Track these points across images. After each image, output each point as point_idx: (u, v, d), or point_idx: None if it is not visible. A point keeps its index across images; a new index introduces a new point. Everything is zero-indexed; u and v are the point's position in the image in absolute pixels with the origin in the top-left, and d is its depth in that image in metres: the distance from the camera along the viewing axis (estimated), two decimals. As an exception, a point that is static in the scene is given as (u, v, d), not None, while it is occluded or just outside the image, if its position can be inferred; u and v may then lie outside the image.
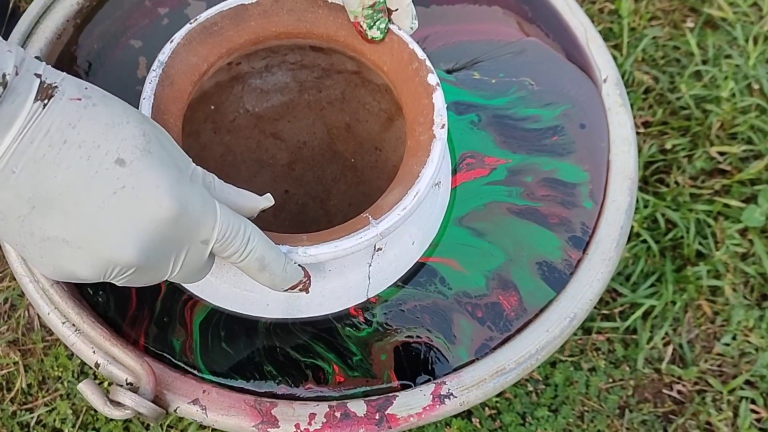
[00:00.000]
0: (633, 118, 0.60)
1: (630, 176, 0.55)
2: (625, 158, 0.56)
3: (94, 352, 0.47)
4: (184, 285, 0.51)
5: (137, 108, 0.45)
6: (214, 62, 0.49)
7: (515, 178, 0.56)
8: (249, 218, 0.43)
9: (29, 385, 0.78)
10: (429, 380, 0.49)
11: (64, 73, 0.38)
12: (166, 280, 0.41)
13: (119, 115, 0.37)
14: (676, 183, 0.88)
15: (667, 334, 0.82)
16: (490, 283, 0.52)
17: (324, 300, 0.50)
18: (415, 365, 0.50)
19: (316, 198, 0.67)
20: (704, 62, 0.95)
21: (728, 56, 0.95)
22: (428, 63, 0.48)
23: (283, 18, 0.50)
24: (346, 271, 0.50)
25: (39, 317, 0.81)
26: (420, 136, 0.47)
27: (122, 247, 0.37)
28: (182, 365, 0.49)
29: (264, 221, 0.62)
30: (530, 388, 0.79)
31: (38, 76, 0.36)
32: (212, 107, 0.59)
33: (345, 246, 0.44)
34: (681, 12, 1.00)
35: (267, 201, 0.44)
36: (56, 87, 0.36)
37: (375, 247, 0.49)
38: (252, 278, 0.43)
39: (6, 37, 0.56)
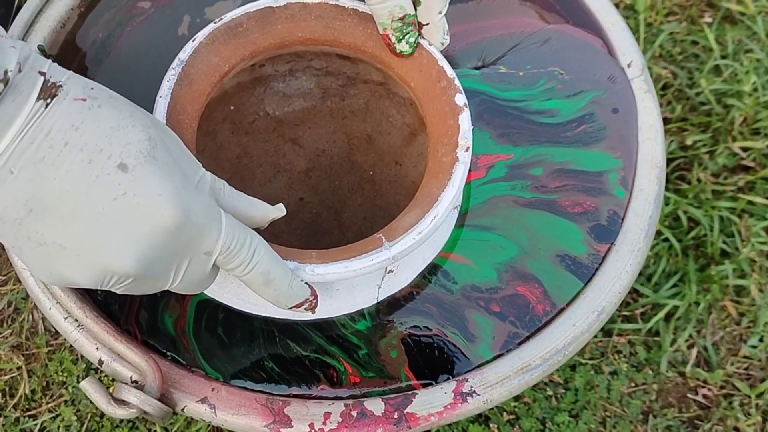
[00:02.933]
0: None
1: (658, 164, 0.53)
2: (652, 146, 0.53)
3: (97, 348, 0.45)
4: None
5: (152, 106, 0.44)
6: (236, 64, 0.48)
7: (519, 172, 0.54)
8: (259, 227, 0.42)
9: (33, 391, 0.76)
10: (449, 378, 0.47)
11: (70, 72, 0.36)
12: (168, 290, 0.40)
13: (125, 119, 0.36)
14: (698, 180, 0.86)
15: (690, 336, 0.80)
16: (503, 276, 0.50)
17: (329, 311, 0.48)
18: (431, 363, 0.47)
19: (330, 208, 0.65)
20: (723, 57, 0.93)
21: (749, 50, 0.93)
22: (457, 82, 0.47)
23: (310, 24, 0.49)
24: (354, 291, 0.48)
25: (43, 320, 0.79)
26: (442, 158, 0.45)
27: (120, 256, 0.35)
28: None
29: (275, 228, 0.60)
30: (550, 392, 0.77)
31: (42, 74, 0.35)
32: (232, 107, 0.58)
33: (355, 267, 0.42)
34: (698, 7, 0.98)
35: (278, 211, 0.42)
36: (60, 86, 0.35)
37: (386, 269, 0.47)
38: (255, 292, 0.41)
39: (8, 27, 0.55)
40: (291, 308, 0.42)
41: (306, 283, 0.42)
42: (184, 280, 0.39)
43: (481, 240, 0.51)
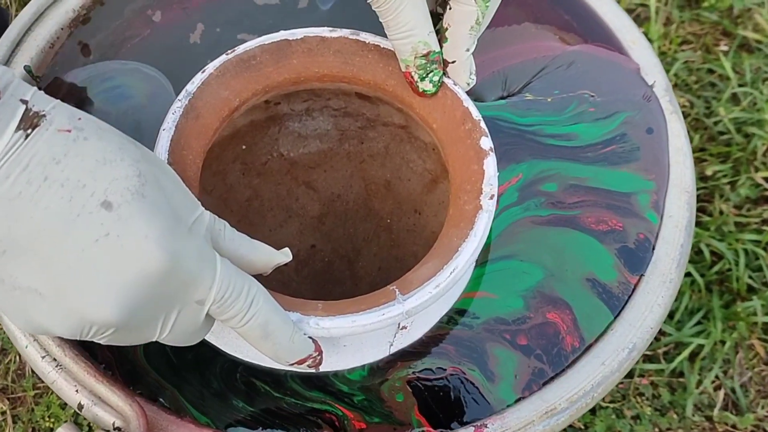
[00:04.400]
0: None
1: (687, 189, 0.49)
2: (681, 169, 0.50)
3: (77, 391, 0.41)
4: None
5: (155, 141, 0.41)
6: (248, 99, 0.45)
7: (530, 191, 0.51)
8: (263, 274, 0.38)
9: (17, 438, 0.71)
10: (467, 423, 0.42)
11: (57, 101, 0.33)
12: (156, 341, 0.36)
13: (113, 152, 0.33)
14: (720, 212, 0.82)
15: (717, 377, 0.75)
16: (530, 303, 0.46)
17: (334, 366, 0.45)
18: (445, 405, 0.43)
19: (344, 257, 0.62)
20: (741, 85, 0.90)
21: (768, 79, 0.90)
22: (483, 125, 0.43)
23: (328, 59, 0.46)
24: (363, 348, 0.44)
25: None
26: (465, 205, 0.42)
27: (100, 304, 0.32)
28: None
29: (284, 276, 0.57)
30: (569, 438, 0.72)
31: (24, 102, 0.32)
32: (243, 147, 0.55)
33: (364, 322, 0.38)
34: (713, 35, 0.95)
35: (284, 256, 0.39)
36: (44, 116, 0.32)
37: (399, 325, 0.43)
38: (253, 347, 0.37)
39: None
40: (292, 365, 0.38)
41: (310, 337, 0.38)
42: (173, 331, 0.35)
43: (502, 269, 0.47)
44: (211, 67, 0.44)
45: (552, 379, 0.43)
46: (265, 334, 0.36)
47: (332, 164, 0.58)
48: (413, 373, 0.44)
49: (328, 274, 0.61)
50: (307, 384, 0.44)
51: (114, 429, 0.40)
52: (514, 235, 0.49)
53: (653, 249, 0.47)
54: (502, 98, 0.54)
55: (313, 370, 0.39)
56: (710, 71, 0.92)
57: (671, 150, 0.51)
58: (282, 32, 0.46)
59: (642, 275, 0.47)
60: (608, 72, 0.54)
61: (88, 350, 0.43)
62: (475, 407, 0.43)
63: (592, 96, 0.54)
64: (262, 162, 0.57)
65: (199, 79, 0.43)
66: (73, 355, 0.41)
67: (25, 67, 0.52)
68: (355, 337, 0.42)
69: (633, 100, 0.53)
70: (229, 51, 0.45)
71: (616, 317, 0.45)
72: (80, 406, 0.41)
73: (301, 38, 0.46)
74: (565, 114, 0.53)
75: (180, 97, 0.43)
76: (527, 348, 0.44)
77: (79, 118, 0.33)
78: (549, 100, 0.54)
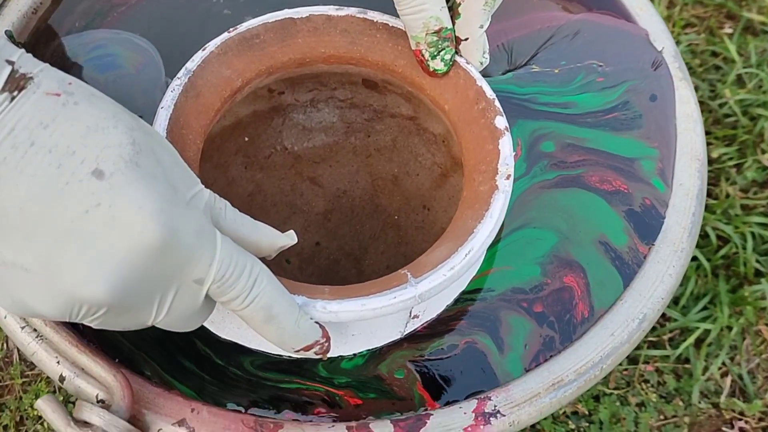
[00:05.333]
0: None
1: (698, 157, 0.47)
2: (691, 137, 0.48)
3: (58, 362, 0.38)
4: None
5: (152, 117, 0.39)
6: (251, 79, 0.43)
7: (532, 154, 0.49)
8: (266, 257, 0.36)
9: (5, 427, 0.70)
10: (470, 396, 0.40)
11: (45, 64, 0.31)
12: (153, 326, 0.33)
13: (105, 119, 0.30)
14: (726, 195, 0.80)
15: (724, 363, 0.73)
16: (547, 269, 0.44)
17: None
18: (450, 379, 0.41)
19: (350, 255, 0.59)
20: (747, 68, 0.88)
21: (774, 60, 0.88)
22: (497, 104, 0.42)
23: (334, 38, 0.44)
24: (373, 338, 0.42)
25: (19, 350, 0.73)
26: (479, 186, 0.40)
27: (90, 281, 0.29)
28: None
29: (289, 274, 0.54)
30: (572, 426, 0.70)
31: (10, 63, 0.30)
32: (246, 139, 0.53)
33: (374, 306, 0.36)
34: (717, 18, 0.94)
35: (288, 238, 0.36)
36: (31, 78, 0.30)
37: (411, 313, 0.41)
38: (256, 331, 0.35)
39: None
40: (298, 351, 0.36)
41: (317, 322, 0.36)
42: (170, 313, 0.33)
43: (516, 241, 0.45)
44: (212, 45, 0.42)
45: (560, 351, 0.41)
46: (269, 318, 0.34)
47: (338, 159, 0.56)
48: (419, 354, 0.42)
49: (333, 272, 0.59)
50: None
51: (97, 401, 0.37)
52: (525, 204, 0.47)
53: (663, 218, 0.45)
54: (508, 71, 0.52)
55: (320, 357, 0.37)
56: (714, 54, 0.91)
57: (680, 117, 0.49)
58: (286, 10, 0.44)
59: (652, 244, 0.45)
60: (616, 40, 0.53)
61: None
62: (480, 379, 0.41)
63: (600, 66, 0.52)
64: (265, 155, 0.55)
65: (199, 56, 0.42)
66: (54, 325, 0.39)
67: (6, 32, 0.50)
68: (365, 325, 0.40)
69: (641, 68, 0.51)
70: (231, 29, 0.43)
71: (624, 290, 0.43)
72: (62, 378, 0.38)
73: (306, 17, 0.44)
74: (573, 85, 0.51)
75: (179, 74, 0.41)
76: (542, 315, 0.42)
77: (70, 83, 0.31)
78: (556, 71, 0.52)
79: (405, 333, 0.42)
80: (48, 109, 0.29)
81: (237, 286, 0.32)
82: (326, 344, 0.36)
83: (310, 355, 0.36)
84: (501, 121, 0.41)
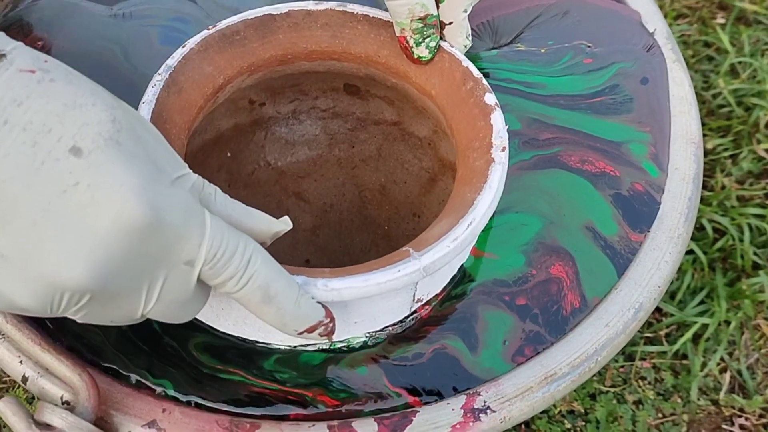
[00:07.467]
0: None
1: (694, 140, 0.46)
2: (686, 120, 0.46)
3: (21, 362, 0.36)
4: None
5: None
6: (233, 77, 0.42)
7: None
8: (260, 245, 0.34)
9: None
10: (458, 392, 0.38)
11: (20, 42, 0.29)
12: (146, 317, 0.31)
13: (84, 96, 0.29)
14: (722, 186, 0.78)
15: (722, 358, 0.72)
16: (532, 258, 0.42)
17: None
18: (421, 379, 0.39)
19: None
20: (740, 57, 0.87)
21: (768, 50, 0.87)
22: (485, 82, 0.41)
23: (315, 33, 0.44)
24: (376, 323, 0.40)
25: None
26: (475, 162, 0.39)
27: (69, 264, 0.28)
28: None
29: None
30: (568, 425, 0.68)
31: None
32: (228, 154, 0.51)
33: (378, 280, 0.34)
34: (709, 9, 0.92)
35: (283, 224, 0.35)
36: (3, 55, 0.28)
37: (414, 297, 0.40)
38: (255, 315, 0.33)
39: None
40: (301, 333, 0.34)
41: (319, 302, 0.34)
42: (161, 300, 0.30)
43: (500, 225, 0.44)
44: (191, 42, 0.42)
45: (552, 343, 0.39)
46: (267, 298, 0.32)
47: (322, 172, 0.55)
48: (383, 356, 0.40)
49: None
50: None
51: (62, 402, 0.35)
52: (505, 186, 0.45)
53: (658, 204, 0.43)
54: (493, 48, 0.51)
55: (325, 340, 0.35)
56: (707, 44, 0.89)
57: (673, 100, 0.47)
58: (265, 7, 0.44)
59: (647, 231, 0.43)
60: (606, 21, 0.51)
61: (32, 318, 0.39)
62: (453, 381, 0.39)
63: (589, 47, 0.50)
64: (248, 172, 0.53)
65: (179, 53, 0.41)
66: (16, 322, 0.37)
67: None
68: (368, 309, 0.38)
69: (632, 50, 0.49)
70: (210, 26, 0.42)
71: (619, 278, 0.41)
72: (24, 379, 0.36)
73: (286, 12, 0.44)
74: (558, 65, 0.49)
75: (160, 71, 0.40)
76: (525, 308, 0.40)
77: (45, 61, 0.29)
78: (543, 50, 0.50)
79: (409, 319, 0.41)
80: (22, 86, 0.28)
81: (230, 267, 0.31)
82: (331, 325, 0.34)
83: (314, 337, 0.34)
84: (490, 98, 0.40)
